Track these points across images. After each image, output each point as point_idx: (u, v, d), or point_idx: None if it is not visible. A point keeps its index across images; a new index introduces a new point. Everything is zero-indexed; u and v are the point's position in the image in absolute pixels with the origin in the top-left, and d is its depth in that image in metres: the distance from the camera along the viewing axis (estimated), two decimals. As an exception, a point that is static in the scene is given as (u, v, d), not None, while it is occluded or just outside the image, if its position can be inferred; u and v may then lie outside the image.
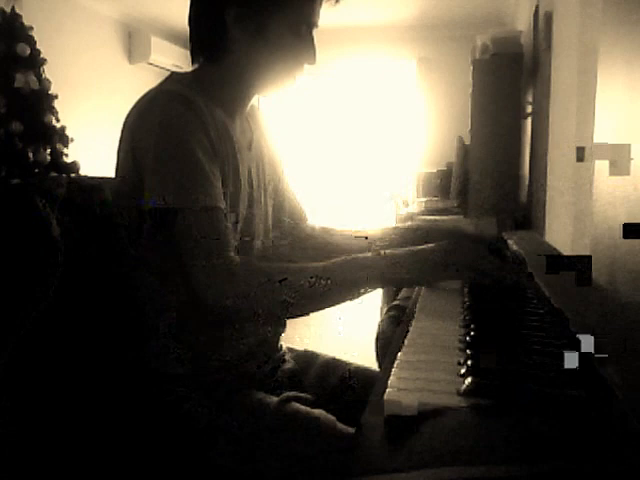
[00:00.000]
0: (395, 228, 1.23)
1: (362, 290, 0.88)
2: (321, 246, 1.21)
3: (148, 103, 0.92)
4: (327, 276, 0.86)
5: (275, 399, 0.95)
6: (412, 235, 1.15)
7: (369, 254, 0.89)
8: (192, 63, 1.03)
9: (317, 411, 0.92)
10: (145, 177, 0.87)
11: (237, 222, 0.98)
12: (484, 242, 1.00)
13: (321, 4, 0.99)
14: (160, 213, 0.86)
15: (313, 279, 0.85)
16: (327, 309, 0.89)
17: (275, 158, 1.17)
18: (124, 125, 0.94)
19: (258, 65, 0.98)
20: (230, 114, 1.01)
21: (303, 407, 0.94)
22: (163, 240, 0.89)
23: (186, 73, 1.02)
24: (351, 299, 0.88)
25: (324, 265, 0.89)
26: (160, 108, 0.89)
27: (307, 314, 0.90)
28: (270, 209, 1.11)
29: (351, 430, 0.87)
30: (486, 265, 0.89)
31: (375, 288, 0.90)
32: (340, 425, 0.90)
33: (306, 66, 1.01)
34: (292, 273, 0.87)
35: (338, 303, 0.88)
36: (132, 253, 0.95)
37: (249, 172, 1.03)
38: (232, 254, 0.88)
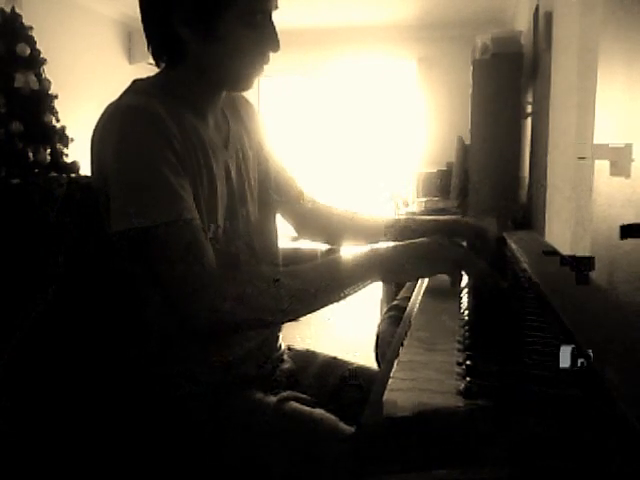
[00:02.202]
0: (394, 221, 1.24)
1: (356, 288, 0.88)
2: (322, 224, 1.21)
3: (108, 121, 0.89)
4: (321, 277, 0.86)
5: (274, 398, 0.95)
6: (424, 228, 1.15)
7: (361, 251, 0.89)
8: (157, 66, 1.00)
9: (317, 411, 0.92)
10: (113, 199, 0.86)
11: (218, 227, 0.96)
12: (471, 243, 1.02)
13: None
14: (135, 233, 0.84)
15: (306, 282, 0.85)
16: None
17: (260, 141, 1.14)
18: (91, 139, 0.92)
19: (218, 63, 0.95)
20: (200, 114, 0.98)
21: (302, 407, 0.94)
22: (140, 260, 0.89)
23: (149, 78, 0.99)
24: (344, 297, 0.88)
25: (316, 265, 0.89)
26: (120, 127, 0.87)
27: (298, 319, 0.89)
28: (257, 204, 1.09)
29: (352, 430, 0.87)
30: (470, 265, 0.89)
31: (370, 283, 0.90)
32: (342, 425, 0.89)
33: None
34: (284, 276, 0.87)
35: (332, 303, 0.88)
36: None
37: (226, 170, 1.00)
38: (212, 264, 0.87)
